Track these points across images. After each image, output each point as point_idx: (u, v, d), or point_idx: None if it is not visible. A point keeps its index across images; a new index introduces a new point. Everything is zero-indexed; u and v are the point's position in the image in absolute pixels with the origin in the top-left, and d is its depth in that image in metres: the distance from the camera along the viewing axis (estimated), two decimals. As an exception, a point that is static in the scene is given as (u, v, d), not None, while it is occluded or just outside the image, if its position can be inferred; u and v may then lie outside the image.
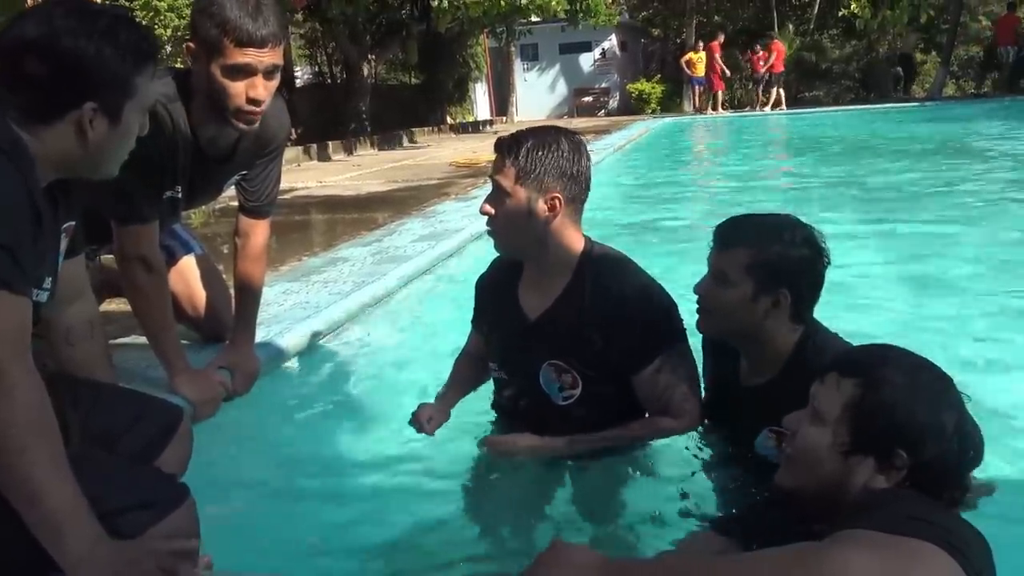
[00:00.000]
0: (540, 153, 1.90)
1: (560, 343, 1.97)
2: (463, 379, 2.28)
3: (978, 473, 1.38)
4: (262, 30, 2.04)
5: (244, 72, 2.07)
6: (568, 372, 1.97)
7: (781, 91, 20.25)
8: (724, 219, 1.85)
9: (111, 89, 1.43)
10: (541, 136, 1.94)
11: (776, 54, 20.26)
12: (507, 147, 1.93)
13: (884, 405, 1.28)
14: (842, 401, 1.32)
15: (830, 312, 1.89)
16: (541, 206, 1.91)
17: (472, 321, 2.28)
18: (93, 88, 1.41)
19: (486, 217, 1.96)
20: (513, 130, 2.03)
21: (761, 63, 20.78)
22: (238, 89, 2.08)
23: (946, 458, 1.27)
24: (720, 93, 20.89)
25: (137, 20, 1.58)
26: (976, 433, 1.31)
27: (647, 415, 2.03)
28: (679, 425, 1.98)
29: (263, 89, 2.11)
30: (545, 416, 2.00)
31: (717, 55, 20.35)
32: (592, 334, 1.93)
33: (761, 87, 21.07)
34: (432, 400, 2.21)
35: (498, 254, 2.10)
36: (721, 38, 20.96)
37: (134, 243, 2.26)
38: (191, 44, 2.11)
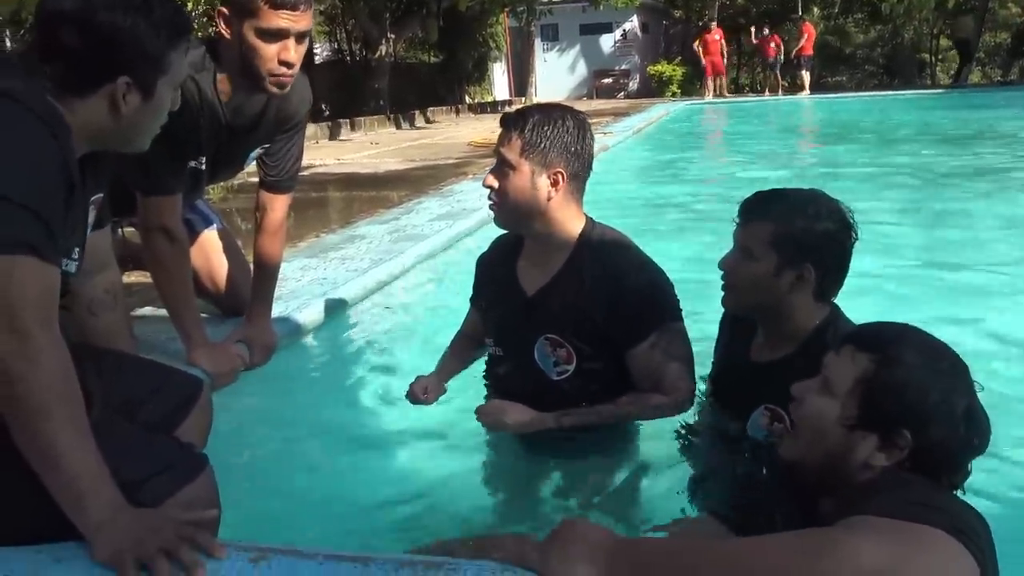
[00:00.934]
0: (546, 128, 1.92)
1: (557, 318, 1.98)
2: (458, 355, 2.30)
3: (986, 461, 1.37)
4: None
5: (278, 35, 2.10)
6: (563, 346, 1.98)
7: (803, 73, 19.96)
8: (749, 194, 1.83)
9: (145, 64, 1.44)
10: (547, 112, 1.96)
11: (807, 36, 19.91)
12: (513, 121, 1.95)
13: (896, 383, 1.27)
14: (855, 375, 1.31)
15: (852, 299, 1.88)
16: (544, 180, 1.92)
17: (471, 299, 2.30)
18: (127, 62, 1.42)
19: (488, 190, 1.98)
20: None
21: (773, 47, 20.55)
22: (271, 52, 2.11)
23: (950, 443, 1.26)
24: (722, 78, 20.61)
25: None
26: (984, 422, 1.30)
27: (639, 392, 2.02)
28: (670, 401, 1.97)
29: (295, 53, 2.14)
30: (539, 391, 2.00)
31: (711, 41, 20.04)
32: (589, 309, 1.95)
33: (777, 71, 20.85)
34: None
35: (500, 229, 2.11)
36: (714, 27, 20.79)
37: (157, 214, 2.29)
38: (222, 8, 2.13)
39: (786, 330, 1.78)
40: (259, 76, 2.15)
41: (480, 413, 2.00)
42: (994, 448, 1.34)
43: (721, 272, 1.83)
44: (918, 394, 1.26)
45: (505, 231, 2.12)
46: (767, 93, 20.56)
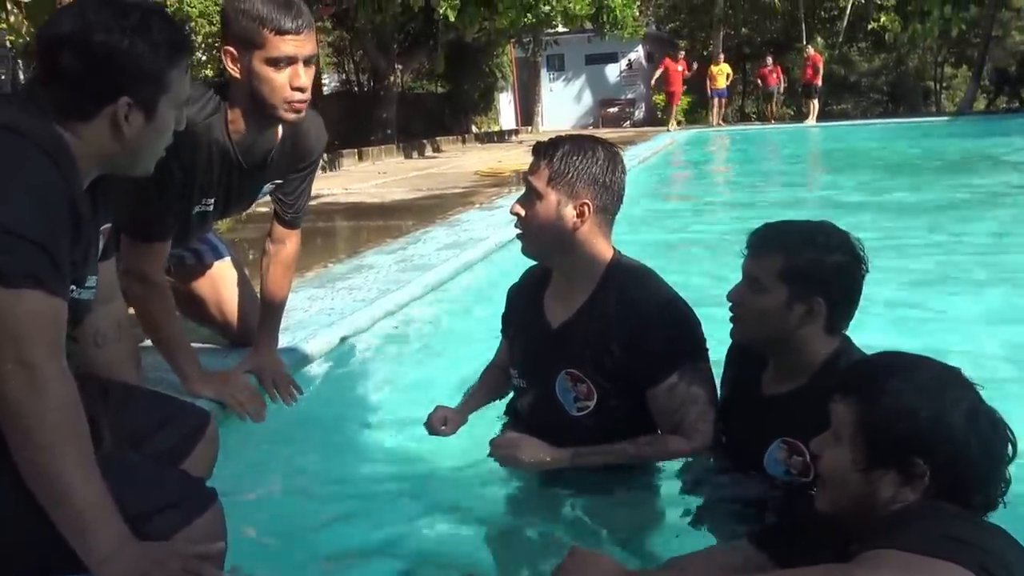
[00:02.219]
0: (575, 158, 1.92)
1: (579, 352, 1.97)
2: (488, 388, 2.29)
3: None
4: (298, 18, 2.10)
5: (287, 61, 2.11)
6: (584, 382, 1.96)
7: (813, 102, 19.95)
8: (757, 226, 1.82)
9: (145, 83, 1.44)
10: (578, 142, 1.96)
11: (815, 65, 19.88)
12: (544, 150, 1.95)
13: (886, 417, 1.26)
14: (850, 420, 1.31)
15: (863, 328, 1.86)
16: (570, 211, 1.92)
17: (502, 330, 2.29)
18: (127, 82, 1.42)
19: (515, 218, 1.98)
20: (540, 139, 2.04)
21: (774, 77, 20.64)
22: (282, 80, 2.12)
23: (967, 455, 1.24)
24: (676, 107, 20.57)
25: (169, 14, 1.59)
26: (997, 423, 1.27)
27: (659, 433, 2.00)
28: (689, 447, 1.94)
29: (305, 77, 2.15)
30: (558, 426, 1.98)
31: (672, 71, 20.02)
32: (612, 345, 1.93)
33: (775, 100, 20.91)
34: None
35: (527, 259, 2.11)
36: (681, 55, 20.85)
37: (136, 259, 2.23)
38: (228, 48, 2.13)
39: (797, 362, 1.76)
40: (274, 107, 2.16)
41: (494, 447, 1.97)
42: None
43: (729, 304, 1.81)
44: (909, 419, 1.25)
45: (535, 264, 2.11)
46: (771, 121, 20.60)
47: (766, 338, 1.78)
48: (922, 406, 1.25)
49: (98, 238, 1.56)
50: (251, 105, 2.19)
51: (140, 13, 1.44)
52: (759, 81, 21.24)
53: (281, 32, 2.08)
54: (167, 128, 1.52)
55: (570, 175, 1.91)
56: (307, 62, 2.16)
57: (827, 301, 1.69)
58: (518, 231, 1.99)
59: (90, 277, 1.48)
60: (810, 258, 1.69)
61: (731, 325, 1.84)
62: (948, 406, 1.25)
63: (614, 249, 2.02)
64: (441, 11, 12.26)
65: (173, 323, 2.38)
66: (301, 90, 2.15)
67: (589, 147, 1.94)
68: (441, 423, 2.12)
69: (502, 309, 2.30)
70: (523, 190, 2.00)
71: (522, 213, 1.95)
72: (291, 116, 2.19)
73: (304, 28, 2.11)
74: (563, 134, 2.02)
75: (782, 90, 21.17)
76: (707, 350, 1.99)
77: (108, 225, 1.62)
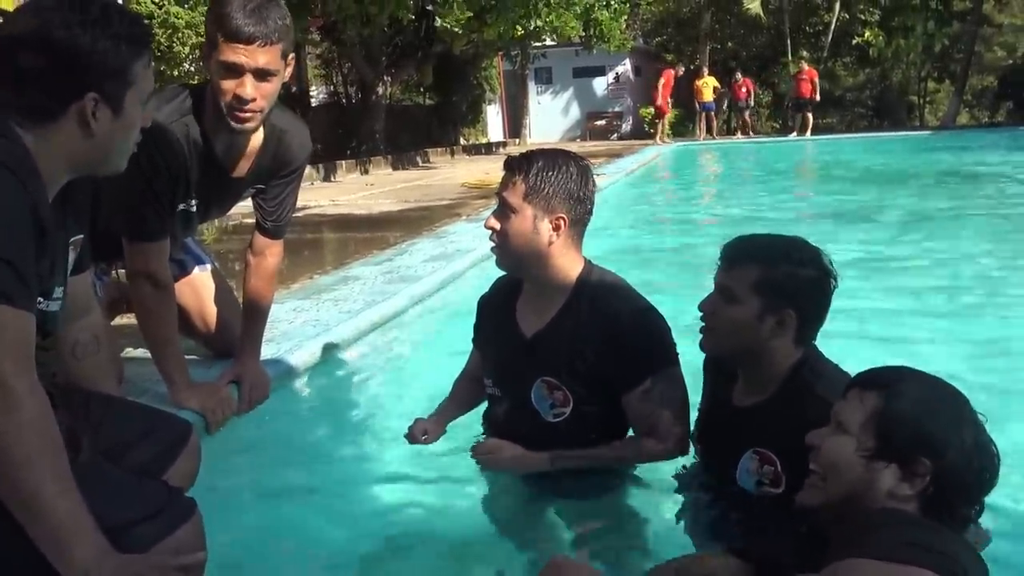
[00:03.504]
0: (550, 173, 1.93)
1: (554, 360, 1.98)
2: (461, 398, 2.30)
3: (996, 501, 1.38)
4: (253, 27, 2.04)
5: (232, 70, 2.07)
6: (560, 389, 1.98)
7: (809, 116, 20.04)
8: (731, 238, 1.85)
9: (111, 78, 1.41)
10: (551, 157, 1.98)
11: (808, 79, 19.84)
12: (517, 165, 1.96)
13: (907, 412, 1.31)
14: (866, 411, 1.35)
15: (837, 341, 1.88)
16: (546, 225, 1.94)
17: (473, 339, 2.30)
18: (93, 78, 1.39)
19: (490, 232, 1.99)
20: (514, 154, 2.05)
21: (743, 91, 20.78)
22: (228, 87, 2.09)
23: (965, 470, 1.29)
24: (664, 120, 20.68)
25: (155, 34, 1.58)
26: (993, 451, 1.33)
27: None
28: (663, 449, 1.97)
29: (252, 89, 2.09)
30: (535, 433, 2.00)
31: (663, 82, 20.12)
32: (587, 352, 1.95)
33: (746, 114, 21.06)
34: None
35: (500, 271, 2.13)
36: (680, 69, 21.01)
37: (143, 260, 2.28)
38: (203, 43, 2.13)
39: (765, 373, 1.78)
40: (224, 111, 2.13)
41: (475, 452, 2.00)
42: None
43: (700, 314, 1.83)
44: (929, 421, 1.30)
45: (505, 275, 2.13)
46: (737, 135, 20.67)
47: (736, 349, 1.80)
48: (942, 412, 1.32)
49: (67, 250, 1.54)
50: (218, 106, 2.18)
51: (97, 7, 1.41)
52: (732, 94, 21.35)
53: (231, 39, 2.04)
54: (135, 123, 1.49)
55: (546, 190, 1.93)
56: (260, 75, 2.09)
57: (798, 314, 1.72)
58: (493, 245, 2.01)
59: (57, 288, 1.46)
60: (784, 271, 1.71)
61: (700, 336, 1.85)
62: (963, 421, 1.32)
63: (585, 259, 2.04)
64: (441, 23, 12.34)
65: (172, 328, 2.39)
66: (241, 101, 2.10)
67: (562, 162, 1.96)
68: (422, 434, 2.13)
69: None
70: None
71: (497, 227, 1.97)
72: (234, 124, 2.15)
73: (257, 39, 2.05)
74: (534, 149, 2.04)
75: (751, 103, 21.30)
76: (677, 356, 2.01)
77: (80, 236, 1.60)
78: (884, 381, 1.37)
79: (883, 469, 1.31)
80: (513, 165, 1.97)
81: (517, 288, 2.11)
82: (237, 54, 2.05)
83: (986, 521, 1.45)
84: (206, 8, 8.90)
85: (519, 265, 2.02)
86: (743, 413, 1.81)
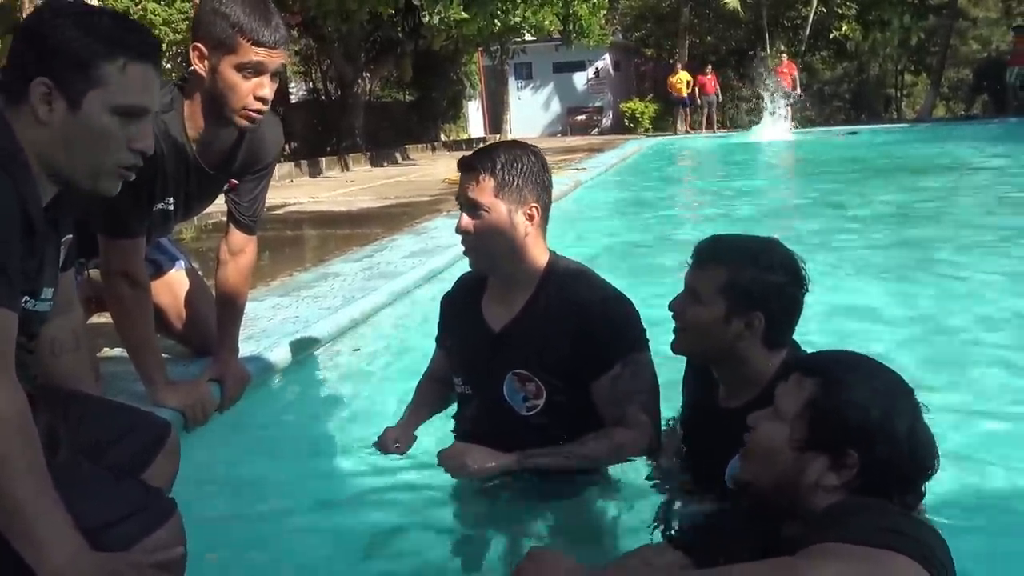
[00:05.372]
0: (516, 165, 1.95)
1: (524, 352, 1.98)
2: (427, 401, 2.28)
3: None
4: (276, 33, 2.12)
5: (256, 71, 2.13)
6: (532, 380, 1.97)
7: (788, 109, 20.16)
8: (705, 237, 1.85)
9: (67, 67, 1.38)
10: (509, 149, 1.99)
11: (789, 73, 19.94)
12: (479, 163, 1.96)
13: (839, 405, 1.31)
14: (802, 399, 1.35)
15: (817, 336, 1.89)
16: (521, 218, 1.95)
17: (436, 339, 2.28)
18: (47, 62, 1.37)
19: (460, 236, 1.99)
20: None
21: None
22: (247, 88, 2.13)
23: (896, 462, 1.30)
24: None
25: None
26: (930, 443, 1.34)
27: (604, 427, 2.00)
28: (634, 439, 1.94)
29: (269, 89, 2.17)
30: (508, 429, 1.98)
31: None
32: (556, 340, 1.95)
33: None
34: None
35: (470, 271, 2.12)
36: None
37: (120, 258, 2.27)
38: (198, 44, 2.13)
39: (745, 376, 1.77)
40: (231, 111, 2.16)
41: (442, 458, 1.95)
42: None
43: (671, 314, 1.83)
44: (860, 414, 1.30)
45: (468, 272, 2.13)
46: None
47: (705, 349, 1.79)
48: (874, 405, 1.31)
49: (58, 251, 1.53)
50: (209, 105, 2.19)
51: (88, 9, 1.43)
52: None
53: (258, 43, 2.09)
54: (104, 132, 1.41)
55: (516, 182, 1.93)
56: (274, 75, 2.18)
57: (766, 317, 1.71)
58: (466, 248, 2.00)
59: (46, 289, 1.45)
60: (751, 276, 1.70)
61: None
62: (896, 413, 1.31)
63: (549, 250, 2.05)
64: (429, 19, 12.33)
65: (149, 327, 2.39)
66: (264, 101, 2.16)
67: (521, 152, 1.98)
68: (393, 443, 2.12)
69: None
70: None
71: (471, 229, 1.96)
72: (244, 124, 2.19)
73: (281, 43, 2.14)
74: (485, 145, 2.04)
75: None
76: (647, 341, 2.01)
77: (70, 236, 1.60)
78: (824, 368, 1.37)
79: (812, 460, 1.32)
80: (474, 164, 1.96)
81: (482, 283, 2.11)
82: (262, 56, 2.11)
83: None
84: (187, 6, 8.88)
85: (495, 264, 2.02)
86: (729, 415, 1.76)
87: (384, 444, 2.13)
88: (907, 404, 1.33)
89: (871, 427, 1.29)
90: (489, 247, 1.97)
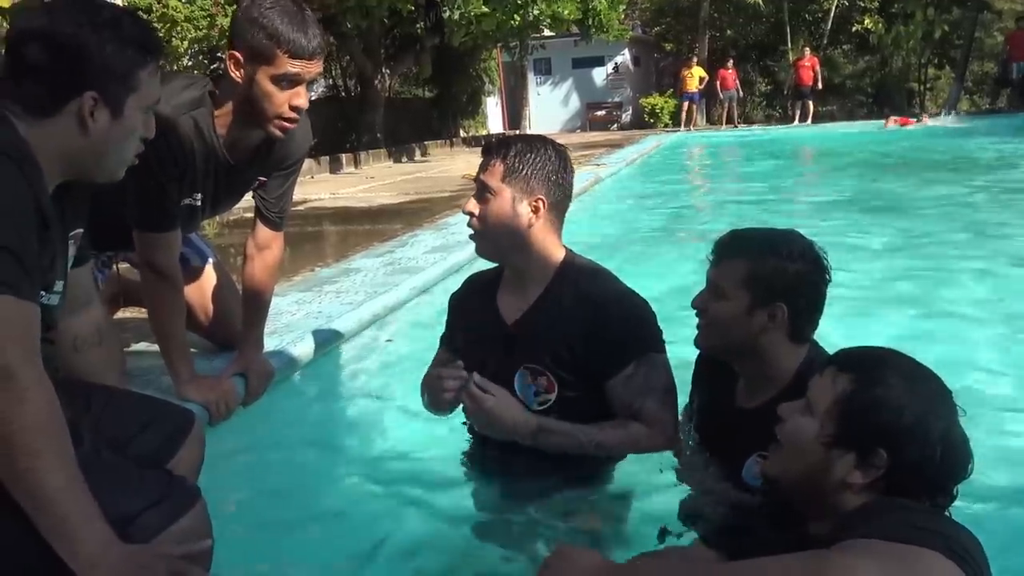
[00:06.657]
0: (528, 155, 1.95)
1: (536, 346, 1.97)
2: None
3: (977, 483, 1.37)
4: (312, 43, 2.12)
5: (293, 81, 2.13)
6: (544, 375, 1.96)
7: (810, 104, 19.98)
8: (724, 232, 1.83)
9: (112, 79, 1.42)
10: (529, 140, 1.99)
11: (811, 67, 19.76)
12: (495, 148, 1.97)
13: (872, 403, 1.29)
14: (834, 394, 1.33)
15: (838, 327, 1.87)
16: (525, 208, 1.94)
17: (441, 338, 2.26)
18: (94, 76, 1.40)
19: (467, 217, 1.99)
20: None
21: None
22: (283, 98, 2.14)
23: (926, 465, 1.28)
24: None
25: (149, 24, 1.59)
26: (963, 447, 1.31)
27: None
28: (650, 435, 1.93)
29: (304, 99, 2.18)
30: None
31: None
32: (569, 337, 1.94)
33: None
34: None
35: (479, 271, 2.11)
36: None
37: (149, 250, 2.30)
38: (234, 52, 2.14)
39: (766, 373, 1.75)
40: (266, 120, 2.18)
41: (468, 396, 1.88)
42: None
43: (695, 311, 1.81)
44: (893, 415, 1.28)
45: (479, 271, 2.12)
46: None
47: (728, 345, 1.78)
48: (908, 406, 1.28)
49: (67, 244, 1.54)
50: (243, 108, 2.20)
51: (109, 11, 1.43)
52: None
53: (295, 56, 2.10)
54: (134, 130, 1.49)
55: (524, 171, 1.93)
56: (309, 84, 2.19)
57: (789, 308, 1.69)
58: (472, 230, 2.00)
59: (57, 282, 1.47)
60: (773, 266, 1.69)
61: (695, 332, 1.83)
62: (931, 416, 1.29)
63: (565, 247, 2.04)
64: (450, 15, 12.35)
65: (180, 321, 2.41)
66: (298, 110, 2.18)
67: (540, 145, 1.98)
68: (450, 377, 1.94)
69: None
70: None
71: (476, 212, 1.97)
72: (278, 133, 2.21)
73: (317, 53, 2.14)
74: (509, 134, 2.04)
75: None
76: (663, 342, 1.99)
77: (80, 230, 1.61)
78: (861, 365, 1.35)
79: (840, 457, 1.31)
80: (491, 148, 1.99)
81: (496, 280, 2.11)
82: (298, 67, 2.12)
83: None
84: (208, 2, 8.92)
85: (499, 250, 2.01)
86: (748, 415, 1.76)
87: (439, 386, 1.95)
88: (943, 408, 1.31)
89: (903, 429, 1.27)
90: (490, 231, 1.97)
